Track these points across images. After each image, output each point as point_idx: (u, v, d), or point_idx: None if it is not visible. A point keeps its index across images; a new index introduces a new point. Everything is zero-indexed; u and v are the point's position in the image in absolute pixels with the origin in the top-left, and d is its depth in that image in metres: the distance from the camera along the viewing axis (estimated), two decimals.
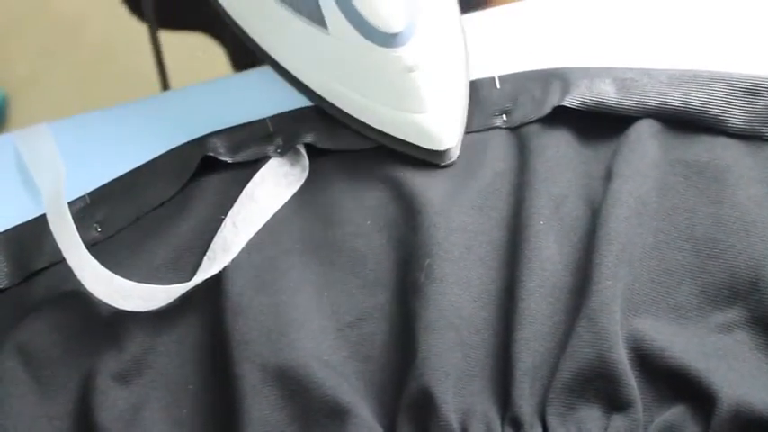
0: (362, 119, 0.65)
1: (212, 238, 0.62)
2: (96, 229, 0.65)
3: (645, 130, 0.63)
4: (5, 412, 0.58)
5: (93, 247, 0.63)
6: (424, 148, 0.64)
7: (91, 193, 0.66)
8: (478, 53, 0.68)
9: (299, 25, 0.63)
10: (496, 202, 0.62)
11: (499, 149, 0.65)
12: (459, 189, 0.63)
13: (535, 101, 0.65)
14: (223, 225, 0.63)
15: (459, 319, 0.57)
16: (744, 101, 0.64)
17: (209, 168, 0.66)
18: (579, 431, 0.54)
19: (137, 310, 0.60)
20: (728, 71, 0.65)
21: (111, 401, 0.58)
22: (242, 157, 0.66)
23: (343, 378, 0.57)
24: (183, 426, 0.57)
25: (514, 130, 0.65)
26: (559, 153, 0.63)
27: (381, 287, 0.60)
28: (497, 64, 0.68)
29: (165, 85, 0.90)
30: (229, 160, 0.65)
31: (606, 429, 0.54)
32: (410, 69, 0.62)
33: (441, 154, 0.64)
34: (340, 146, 0.66)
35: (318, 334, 0.58)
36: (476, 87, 0.67)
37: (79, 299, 0.61)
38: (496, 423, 0.55)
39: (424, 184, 0.63)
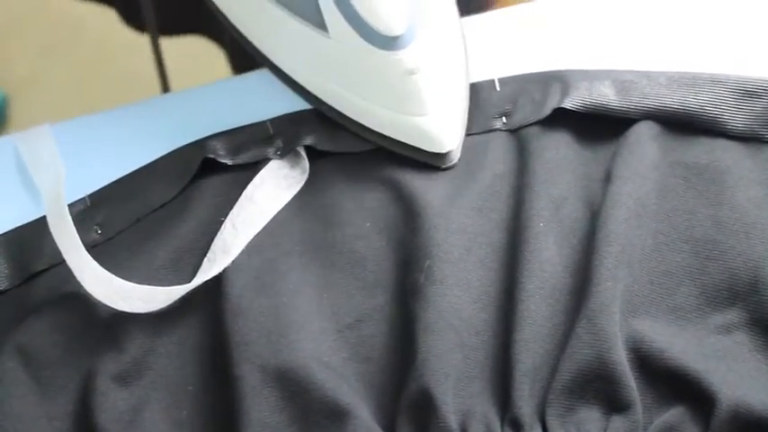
0: (363, 122, 0.65)
1: (212, 240, 0.62)
2: (96, 231, 0.65)
3: (644, 132, 0.63)
4: (5, 413, 0.58)
5: (94, 248, 0.63)
6: (425, 151, 0.64)
7: (91, 195, 0.66)
8: (478, 56, 0.68)
9: (298, 28, 0.64)
10: (496, 203, 0.62)
11: (499, 151, 0.65)
12: (458, 191, 0.63)
13: (535, 103, 0.65)
14: (223, 227, 0.63)
15: (458, 320, 0.58)
16: (743, 103, 0.64)
17: (210, 170, 0.66)
18: None
19: (137, 312, 0.60)
20: (727, 73, 0.65)
21: (111, 403, 0.58)
22: (242, 159, 0.66)
23: (343, 379, 0.57)
24: (183, 427, 0.58)
25: (514, 132, 0.66)
26: (559, 155, 0.63)
27: (381, 289, 0.60)
28: (497, 66, 0.68)
29: (165, 88, 0.90)
30: (229, 162, 0.66)
31: (605, 430, 0.54)
32: (411, 72, 0.62)
33: (442, 156, 0.64)
34: (340, 148, 0.66)
35: (318, 335, 0.59)
36: (476, 90, 0.67)
37: (79, 300, 0.61)
38: (496, 424, 0.55)
39: (423, 186, 0.63)
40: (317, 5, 0.61)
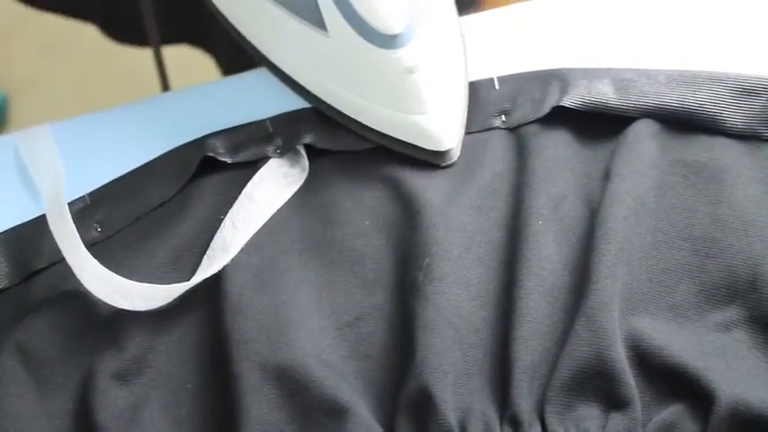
0: (362, 120, 0.65)
1: (212, 238, 0.62)
2: (96, 229, 0.65)
3: (643, 131, 0.63)
4: (5, 411, 0.58)
5: (93, 247, 0.63)
6: (425, 149, 0.64)
7: (91, 194, 0.66)
8: (477, 54, 0.68)
9: (297, 27, 0.64)
10: (495, 202, 0.62)
11: (498, 150, 0.65)
12: (458, 189, 0.63)
13: (534, 101, 0.65)
14: (222, 225, 0.63)
15: (457, 318, 0.58)
16: (742, 101, 0.64)
17: (209, 169, 0.66)
18: (578, 430, 0.54)
19: (136, 310, 0.60)
20: (726, 71, 0.65)
21: (111, 401, 0.58)
22: (242, 157, 0.66)
23: (342, 377, 0.57)
24: (183, 425, 0.58)
25: (513, 130, 0.66)
26: (558, 153, 0.63)
27: (380, 287, 0.60)
28: (496, 65, 0.68)
29: (165, 87, 0.90)
30: (229, 161, 0.66)
31: (605, 428, 0.54)
32: (410, 71, 0.62)
33: (441, 154, 0.64)
34: (339, 146, 0.66)
35: (317, 333, 0.59)
36: (475, 88, 0.67)
37: (79, 298, 0.61)
38: (495, 422, 0.55)
39: (423, 185, 0.63)
40: (316, 4, 0.61)
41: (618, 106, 0.64)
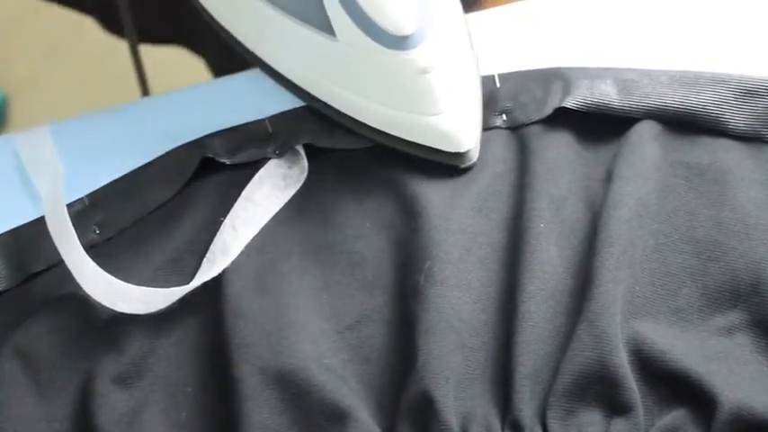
0: (376, 125, 0.64)
1: (211, 241, 0.62)
2: (95, 232, 0.64)
3: (645, 132, 0.63)
4: (4, 415, 0.58)
5: (92, 249, 0.63)
6: (444, 151, 0.63)
7: (89, 195, 0.65)
8: (478, 52, 0.68)
9: (302, 32, 0.63)
10: (496, 203, 0.62)
11: (499, 150, 0.64)
12: (458, 191, 0.62)
13: (536, 101, 0.65)
14: (222, 227, 0.62)
15: (459, 321, 0.57)
16: (744, 102, 0.63)
17: (208, 170, 0.65)
18: None
19: (136, 313, 0.60)
20: (729, 72, 0.65)
21: (111, 404, 0.58)
22: (241, 158, 0.65)
23: (343, 381, 0.57)
24: (183, 429, 0.57)
25: (515, 130, 0.65)
26: (560, 154, 0.63)
27: (381, 289, 0.60)
28: (497, 62, 0.67)
29: (145, 92, 0.90)
30: (228, 162, 0.65)
31: None
32: (424, 71, 0.61)
33: (461, 156, 0.63)
34: (339, 144, 0.65)
35: (318, 337, 0.58)
36: None
37: (78, 301, 0.61)
38: (497, 426, 0.55)
39: (423, 186, 0.63)
40: (323, 9, 0.61)
41: (620, 107, 0.64)
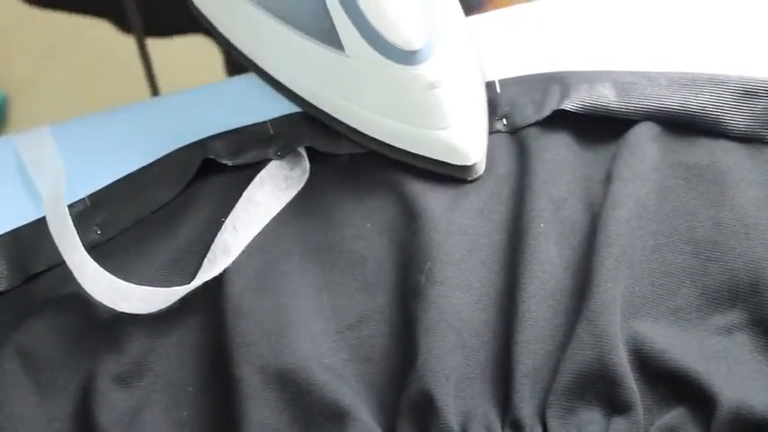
0: (383, 138, 0.64)
1: (212, 241, 0.62)
2: (96, 232, 0.64)
3: (644, 134, 0.63)
4: (5, 414, 0.58)
5: (93, 249, 0.63)
6: (451, 164, 0.63)
7: (91, 196, 0.66)
8: (481, 56, 0.68)
9: (312, 49, 0.63)
10: (497, 205, 0.62)
11: (499, 153, 0.65)
12: (459, 193, 0.63)
13: (535, 104, 0.65)
14: (223, 227, 0.63)
15: (459, 321, 0.57)
16: (743, 103, 0.64)
17: (210, 171, 0.66)
18: None
19: (137, 313, 0.60)
20: (728, 73, 0.65)
21: (112, 404, 0.58)
22: (242, 159, 0.66)
23: (343, 381, 0.57)
24: (183, 428, 0.57)
25: (514, 133, 0.65)
26: (559, 156, 0.63)
27: (381, 289, 0.60)
28: (497, 67, 0.68)
29: (155, 91, 0.90)
30: (230, 163, 0.65)
31: None
32: (432, 86, 0.61)
33: (468, 169, 0.63)
34: (340, 149, 0.66)
35: (318, 336, 0.58)
36: None
37: (79, 301, 0.61)
38: (497, 426, 0.55)
39: (424, 187, 0.63)
40: (332, 24, 0.61)
41: (619, 109, 0.64)
